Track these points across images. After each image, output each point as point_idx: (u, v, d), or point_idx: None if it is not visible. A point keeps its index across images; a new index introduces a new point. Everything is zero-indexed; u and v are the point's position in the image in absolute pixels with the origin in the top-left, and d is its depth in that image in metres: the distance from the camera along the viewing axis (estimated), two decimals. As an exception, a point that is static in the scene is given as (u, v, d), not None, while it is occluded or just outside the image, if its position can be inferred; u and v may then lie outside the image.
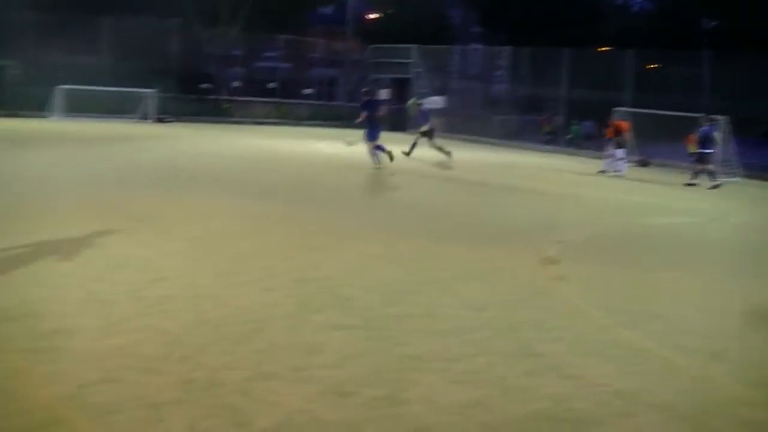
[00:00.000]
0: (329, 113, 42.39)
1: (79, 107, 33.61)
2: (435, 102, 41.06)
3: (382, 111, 22.74)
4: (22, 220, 11.19)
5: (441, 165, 23.68)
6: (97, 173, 17.24)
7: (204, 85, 42.22)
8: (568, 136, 36.49)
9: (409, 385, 5.98)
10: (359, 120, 21.83)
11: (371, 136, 21.33)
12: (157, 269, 8.97)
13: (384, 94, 41.61)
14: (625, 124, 26.64)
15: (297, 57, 45.09)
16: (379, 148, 21.27)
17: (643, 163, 29.25)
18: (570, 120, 36.84)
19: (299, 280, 8.95)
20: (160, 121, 36.06)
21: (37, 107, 33.52)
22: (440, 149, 24.55)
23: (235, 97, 41.69)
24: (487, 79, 43.64)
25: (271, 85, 43.64)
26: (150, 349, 6.35)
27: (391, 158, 21.53)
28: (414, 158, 24.29)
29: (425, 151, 24.73)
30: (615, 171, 25.28)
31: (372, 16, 50.88)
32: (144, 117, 36.09)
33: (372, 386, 5.90)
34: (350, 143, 23.07)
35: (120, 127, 31.94)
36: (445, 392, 5.92)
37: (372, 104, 21.98)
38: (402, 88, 42.01)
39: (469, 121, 39.49)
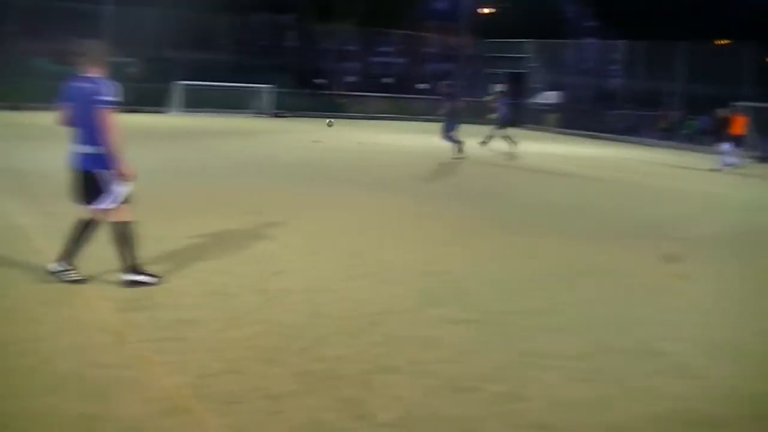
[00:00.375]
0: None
1: (196, 102, 34.33)
2: (549, 97, 40.59)
3: (460, 104, 23.25)
4: (144, 211, 11.40)
5: (560, 160, 23.41)
6: (216, 167, 17.57)
7: (319, 81, 42.67)
8: (685, 132, 35.58)
9: (529, 382, 5.88)
10: (441, 112, 22.77)
11: (449, 128, 22.08)
12: (278, 262, 9.06)
13: (498, 88, 41.46)
14: (739, 119, 25.69)
15: (411, 52, 45.12)
16: (452, 139, 21.97)
17: (764, 159, 28.35)
18: (687, 115, 35.95)
19: (418, 273, 8.92)
20: (276, 115, 36.56)
21: (157, 103, 34.35)
22: (506, 140, 24.41)
23: (349, 92, 41.91)
24: (602, 74, 42.92)
25: (386, 80, 43.83)
26: (270, 341, 6.40)
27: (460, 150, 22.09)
28: (521, 153, 24.04)
29: (530, 146, 24.49)
30: (727, 166, 24.54)
31: (485, 10, 50.54)
32: (260, 112, 36.65)
33: (491, 382, 5.82)
34: (330, 124, 24.21)
35: (237, 121, 32.49)
36: (566, 390, 5.80)
37: (451, 97, 22.79)
38: (517, 83, 41.61)
39: (584, 116, 38.95)
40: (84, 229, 7.61)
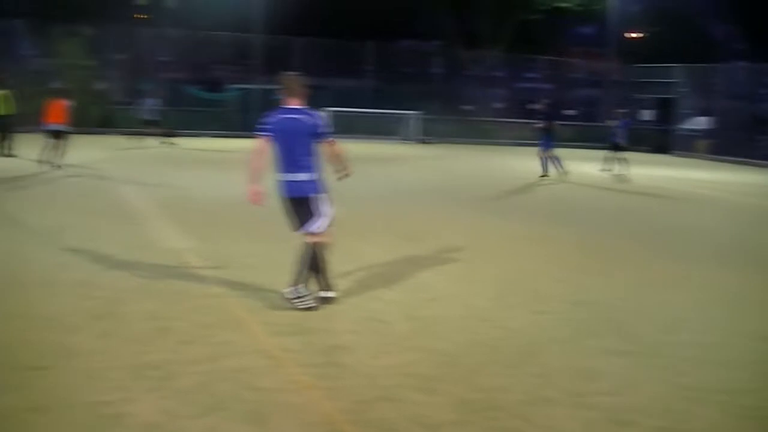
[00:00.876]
0: (591, 134, 41.59)
1: (343, 129, 34.77)
2: (699, 123, 39.44)
3: (554, 124, 23.07)
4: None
5: (700, 185, 22.66)
6: (364, 192, 17.67)
7: (466, 107, 42.62)
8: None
9: (690, 417, 5.64)
10: (537, 126, 23.08)
11: (546, 146, 22.42)
12: (431, 289, 8.99)
13: (647, 114, 40.46)
14: None
15: (558, 78, 44.59)
16: (549, 159, 22.36)
17: None
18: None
19: (570, 303, 8.69)
20: (423, 142, 36.68)
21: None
22: (620, 162, 23.82)
23: (496, 118, 41.68)
24: (754, 98, 41.43)
25: (534, 106, 43.52)
26: (425, 369, 6.32)
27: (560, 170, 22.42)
28: (636, 177, 23.40)
29: (673, 171, 23.73)
30: None
31: (633, 35, 49.60)
32: (407, 138, 36.85)
33: (652, 416, 5.59)
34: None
35: (383, 148, 32.71)
36: (731, 427, 5.53)
37: (548, 116, 22.81)
38: (666, 109, 40.60)
39: (735, 142, 37.64)
40: (314, 255, 7.86)
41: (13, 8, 45.47)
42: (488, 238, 12.59)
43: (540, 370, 6.40)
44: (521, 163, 27.74)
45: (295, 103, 7.99)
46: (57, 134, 19.06)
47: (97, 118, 37.69)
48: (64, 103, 19.53)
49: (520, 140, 38.97)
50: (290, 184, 7.87)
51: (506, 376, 6.22)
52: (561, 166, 22.35)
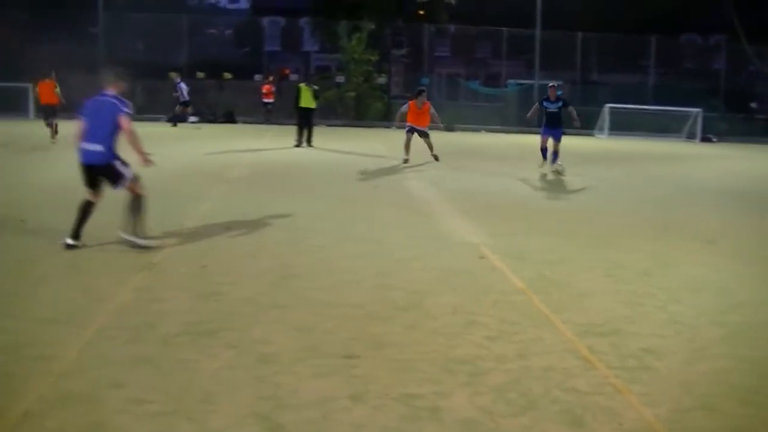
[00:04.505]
0: None
1: (623, 126, 34.00)
2: None
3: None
4: (561, 236, 11.40)
5: None
6: (654, 191, 17.16)
7: (751, 104, 40.57)
8: None
9: None
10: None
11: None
12: (735, 294, 8.51)
13: None
14: None
15: None
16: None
17: None
18: None
19: None
20: (705, 140, 35.22)
21: (585, 126, 34.47)
22: None
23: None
24: None
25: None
26: (741, 378, 5.96)
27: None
28: None
29: None
30: None
31: None
32: (690, 136, 35.50)
33: None
34: None
35: (665, 146, 31.64)
36: None
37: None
38: None
39: None
40: None
41: (299, 7, 47.69)
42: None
43: None
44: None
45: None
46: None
47: (378, 112, 38.80)
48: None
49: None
50: None
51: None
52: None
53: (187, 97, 33.30)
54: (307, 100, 25.64)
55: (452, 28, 43.07)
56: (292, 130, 26.47)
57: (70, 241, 9.49)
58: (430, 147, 20.56)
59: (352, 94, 37.81)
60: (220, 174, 16.91)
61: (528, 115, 19.99)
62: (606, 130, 34.50)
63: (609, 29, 36.87)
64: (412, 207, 13.32)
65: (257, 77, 41.14)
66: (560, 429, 4.94)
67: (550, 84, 18.98)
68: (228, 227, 11.09)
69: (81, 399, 5.11)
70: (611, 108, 34.45)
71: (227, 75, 42.42)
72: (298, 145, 24.86)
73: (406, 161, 19.91)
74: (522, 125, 32.35)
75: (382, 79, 40.20)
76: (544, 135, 18.55)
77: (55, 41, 41.22)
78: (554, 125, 18.43)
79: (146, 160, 9.61)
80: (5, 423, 4.77)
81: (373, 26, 38.67)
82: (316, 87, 26.54)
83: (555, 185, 17.04)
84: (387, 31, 41.67)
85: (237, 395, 5.24)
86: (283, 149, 24.00)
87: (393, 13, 42.75)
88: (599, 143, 31.66)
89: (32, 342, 6.19)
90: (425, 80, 38.67)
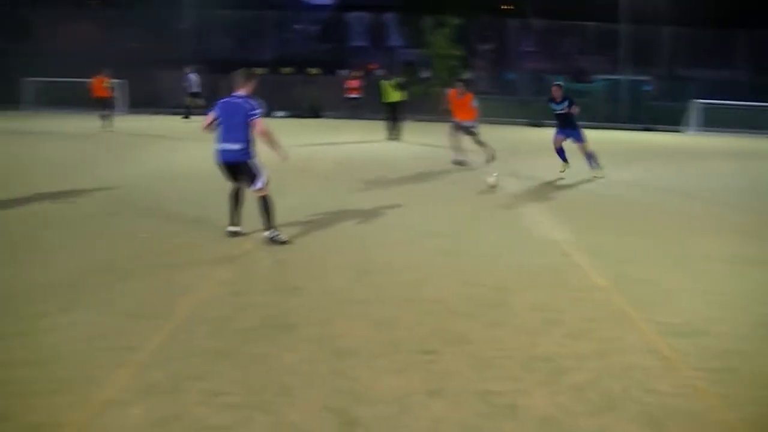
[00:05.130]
0: None
1: (714, 122, 33.27)
2: None
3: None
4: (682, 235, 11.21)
5: None
6: (742, 189, 16.76)
7: None
8: None
9: None
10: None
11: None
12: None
13: None
14: None
15: None
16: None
17: None
18: None
19: None
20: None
21: (672, 122, 33.87)
22: None
23: None
24: None
25: None
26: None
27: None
28: None
29: None
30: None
31: None
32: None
33: None
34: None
35: (758, 143, 30.84)
36: None
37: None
38: None
39: None
40: None
41: (384, 2, 47.75)
42: None
43: None
44: None
45: None
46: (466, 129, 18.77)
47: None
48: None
49: None
50: None
51: None
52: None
53: (196, 89, 33.57)
54: (390, 95, 25.82)
55: (537, 23, 42.67)
56: (378, 125, 26.61)
57: (231, 229, 10.18)
58: (480, 145, 18.89)
59: (438, 89, 37.73)
60: (305, 168, 17.02)
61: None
62: (695, 126, 33.81)
63: (697, 23, 36.16)
64: (495, 202, 13.25)
65: (342, 72, 41.35)
66: (638, 430, 4.86)
67: (554, 84, 17.55)
68: (311, 221, 11.18)
69: (161, 390, 5.21)
70: (700, 104, 33.74)
71: (313, 70, 42.72)
72: (390, 139, 25.03)
73: (459, 163, 18.43)
74: (608, 121, 31.96)
75: (467, 75, 40.06)
76: (558, 136, 17.21)
77: (142, 37, 41.98)
78: (565, 126, 17.05)
79: (284, 156, 10.01)
80: (88, 411, 4.88)
81: (457, 21, 38.48)
82: (398, 79, 26.61)
83: (638, 182, 16.74)
84: (472, 26, 41.48)
85: (314, 389, 5.28)
86: (367, 143, 24.07)
87: (478, 8, 42.53)
88: (687, 140, 31.04)
89: (117, 333, 6.33)
90: (511, 75, 38.47)
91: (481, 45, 43.19)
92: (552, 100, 16.93)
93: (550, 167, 17.50)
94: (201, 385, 5.30)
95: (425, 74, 39.41)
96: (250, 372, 5.57)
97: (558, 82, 17.61)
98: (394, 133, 25.39)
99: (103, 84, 27.40)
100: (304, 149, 21.46)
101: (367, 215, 11.85)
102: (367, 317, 6.92)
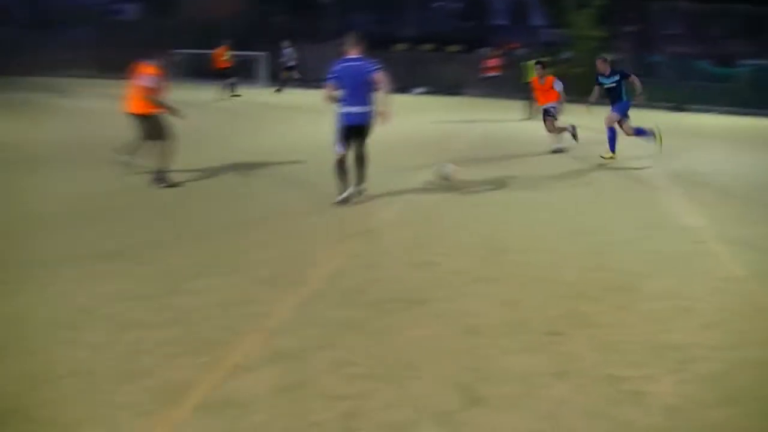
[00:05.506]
0: None
1: None
2: None
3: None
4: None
5: None
6: None
7: None
8: None
9: None
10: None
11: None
12: None
13: None
14: None
15: None
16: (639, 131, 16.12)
17: None
18: None
19: None
20: None
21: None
22: None
23: None
24: None
25: None
26: None
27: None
28: None
29: None
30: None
31: None
32: None
33: None
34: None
35: None
36: None
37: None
38: None
39: None
40: None
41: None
42: None
43: None
44: None
45: None
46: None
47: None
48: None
49: None
50: None
51: None
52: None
53: (292, 63, 33.99)
54: (530, 75, 25.61)
55: (683, 5, 41.45)
56: (517, 104, 26.42)
57: (345, 195, 10.64)
58: (554, 131, 17.56)
59: (579, 70, 37.11)
60: (442, 145, 17.08)
61: (591, 99, 16.37)
62: None
63: None
64: (631, 187, 12.99)
65: (483, 50, 41.08)
66: (766, 427, 4.74)
67: (600, 58, 16.46)
68: (444, 199, 11.23)
69: (289, 356, 5.35)
70: None
71: (453, 48, 42.57)
72: (527, 119, 24.85)
73: (558, 150, 17.14)
74: (756, 107, 30.78)
75: (609, 56, 39.18)
76: (613, 113, 15.84)
77: (287, 12, 42.69)
78: (615, 100, 15.89)
79: (389, 116, 10.53)
80: (217, 373, 5.06)
81: (601, 1, 37.70)
82: (543, 59, 26.36)
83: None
84: (617, 7, 40.61)
85: (440, 364, 5.33)
86: (505, 122, 23.94)
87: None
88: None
89: (250, 300, 6.52)
90: (655, 58, 37.50)
91: (624, 26, 42.23)
92: (601, 74, 16.09)
93: (691, 152, 17.07)
94: (329, 354, 5.41)
95: (566, 55, 38.81)
96: (377, 344, 5.66)
97: (603, 56, 16.86)
98: (532, 113, 25.16)
99: (223, 56, 28.95)
100: (443, 126, 21.52)
101: (501, 194, 11.83)
102: (497, 296, 6.93)
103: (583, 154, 16.46)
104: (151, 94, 11.28)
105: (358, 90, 10.33)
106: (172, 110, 11.57)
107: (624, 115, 15.84)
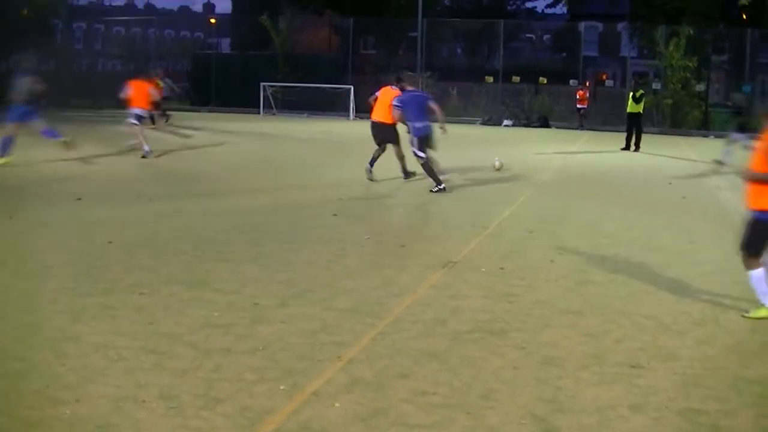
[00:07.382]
0: None
1: None
2: None
3: None
4: None
5: None
6: None
7: None
8: None
9: None
10: None
11: None
12: None
13: None
14: None
15: None
16: None
17: None
18: None
19: None
20: None
21: None
22: None
23: None
24: None
25: None
26: None
27: None
28: None
29: None
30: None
31: None
32: None
33: None
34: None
35: None
36: None
37: None
38: None
39: None
40: None
41: (617, 12, 47.04)
42: None
43: None
44: None
45: None
46: None
47: (696, 120, 37.56)
48: None
49: None
50: None
51: None
52: None
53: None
54: (629, 105, 26.28)
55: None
56: (606, 136, 26.47)
57: (437, 188, 14.42)
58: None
59: (669, 101, 36.74)
60: (530, 177, 17.13)
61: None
62: None
63: None
64: (721, 219, 12.78)
65: (572, 82, 40.92)
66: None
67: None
68: (530, 230, 11.28)
69: (368, 385, 5.45)
70: None
71: (543, 79, 42.54)
72: (626, 149, 25.35)
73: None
74: None
75: (700, 87, 38.70)
76: None
77: (378, 46, 43.10)
78: None
79: (444, 129, 14.96)
80: (296, 400, 5.17)
81: (691, 31, 37.31)
82: (641, 90, 26.92)
83: None
84: (707, 36, 40.11)
85: (517, 395, 5.37)
86: (593, 154, 23.91)
87: (714, 17, 41.06)
88: None
89: (331, 329, 6.65)
90: (747, 88, 36.87)
91: (716, 56, 41.68)
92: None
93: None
94: (407, 383, 5.49)
95: (656, 85, 38.49)
96: (456, 374, 5.72)
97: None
98: (632, 144, 25.71)
99: None
100: (532, 159, 21.54)
101: (587, 227, 11.84)
102: (578, 328, 6.94)
103: (677, 185, 16.31)
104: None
105: (422, 112, 14.70)
106: None
107: None
